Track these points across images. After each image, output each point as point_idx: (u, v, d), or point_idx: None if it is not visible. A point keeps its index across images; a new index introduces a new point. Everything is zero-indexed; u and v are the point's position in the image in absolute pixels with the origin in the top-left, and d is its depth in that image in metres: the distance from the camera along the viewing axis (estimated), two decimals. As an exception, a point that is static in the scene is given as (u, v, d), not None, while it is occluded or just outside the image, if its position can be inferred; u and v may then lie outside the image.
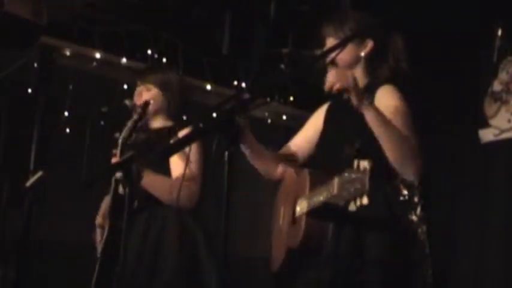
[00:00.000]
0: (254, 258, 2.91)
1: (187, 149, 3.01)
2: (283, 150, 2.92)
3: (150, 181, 3.10)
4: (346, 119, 2.63)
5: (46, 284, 4.65)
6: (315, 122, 2.88)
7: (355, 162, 2.14)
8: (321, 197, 2.34)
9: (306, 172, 2.57)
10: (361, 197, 2.11)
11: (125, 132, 3.14)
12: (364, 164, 2.12)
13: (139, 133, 3.16)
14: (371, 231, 2.45)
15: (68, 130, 4.97)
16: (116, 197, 3.01)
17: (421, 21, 4.41)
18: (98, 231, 3.44)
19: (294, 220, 2.58)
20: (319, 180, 2.46)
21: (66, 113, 4.90)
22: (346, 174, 2.14)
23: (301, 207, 2.51)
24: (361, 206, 2.13)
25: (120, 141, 3.11)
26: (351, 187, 2.12)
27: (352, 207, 2.15)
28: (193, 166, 3.14)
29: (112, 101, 4.12)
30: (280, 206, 2.79)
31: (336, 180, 2.21)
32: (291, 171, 2.80)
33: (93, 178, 2.77)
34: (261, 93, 2.30)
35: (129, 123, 3.18)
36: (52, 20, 4.74)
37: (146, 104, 3.21)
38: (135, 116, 3.19)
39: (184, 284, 3.06)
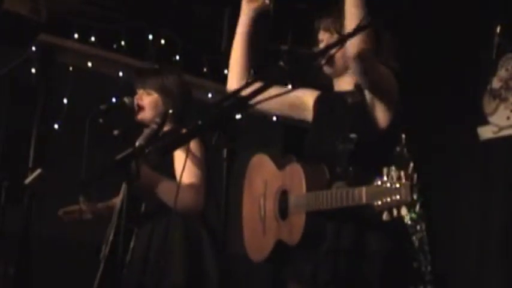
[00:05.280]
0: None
1: (192, 152, 2.98)
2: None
3: (164, 188, 3.04)
4: (337, 112, 2.60)
5: (45, 281, 4.65)
6: (299, 94, 2.83)
7: (385, 170, 2.02)
8: (338, 203, 2.26)
9: (297, 167, 2.49)
10: (399, 208, 1.97)
11: (142, 139, 3.06)
12: (400, 173, 1.98)
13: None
14: (371, 228, 2.42)
15: (66, 127, 4.97)
16: (125, 198, 2.95)
17: (419, 18, 4.41)
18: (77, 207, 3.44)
19: (284, 214, 2.53)
20: (315, 177, 2.42)
21: (64, 110, 4.90)
22: (378, 184, 2.02)
23: (298, 204, 2.46)
24: (399, 216, 1.98)
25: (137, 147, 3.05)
26: (387, 197, 1.98)
27: (386, 217, 2.01)
28: (196, 169, 3.10)
29: (111, 99, 4.12)
30: (257, 196, 2.71)
31: (364, 190, 2.13)
32: (261, 159, 2.75)
33: (91, 177, 2.77)
34: (260, 90, 2.29)
35: (147, 132, 3.09)
36: (51, 17, 4.74)
37: (166, 114, 3.13)
38: (154, 126, 3.13)
39: (189, 285, 3.04)
